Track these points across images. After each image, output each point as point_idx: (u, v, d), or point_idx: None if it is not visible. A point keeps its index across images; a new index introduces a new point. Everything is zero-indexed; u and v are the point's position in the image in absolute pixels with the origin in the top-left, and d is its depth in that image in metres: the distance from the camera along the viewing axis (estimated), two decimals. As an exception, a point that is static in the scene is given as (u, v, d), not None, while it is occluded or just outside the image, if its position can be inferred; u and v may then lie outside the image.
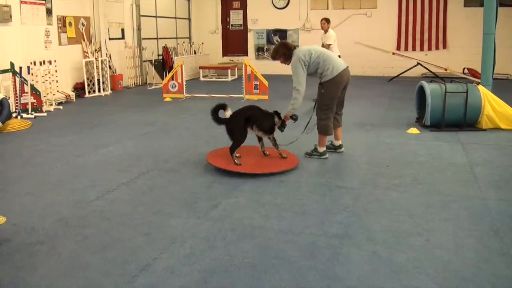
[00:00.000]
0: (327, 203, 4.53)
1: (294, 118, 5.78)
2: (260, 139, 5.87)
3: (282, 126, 5.82)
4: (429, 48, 15.56)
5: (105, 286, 3.09)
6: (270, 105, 8.33)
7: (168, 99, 11.19)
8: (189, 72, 14.90)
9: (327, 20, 10.65)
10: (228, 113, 5.66)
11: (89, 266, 3.34)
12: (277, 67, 16.60)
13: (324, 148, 6.01)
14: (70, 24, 11.43)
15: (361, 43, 14.71)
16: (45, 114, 9.36)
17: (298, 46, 5.89)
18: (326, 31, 10.61)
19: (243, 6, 17.27)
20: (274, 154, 5.84)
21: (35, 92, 9.44)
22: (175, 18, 16.53)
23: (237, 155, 5.59)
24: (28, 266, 3.35)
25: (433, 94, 7.46)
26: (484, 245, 3.62)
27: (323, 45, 10.24)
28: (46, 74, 10.11)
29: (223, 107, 5.67)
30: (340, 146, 6.28)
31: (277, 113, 5.80)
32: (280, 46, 5.94)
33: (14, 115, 8.65)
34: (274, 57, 5.96)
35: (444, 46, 15.49)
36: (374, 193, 4.80)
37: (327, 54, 5.81)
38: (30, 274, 3.23)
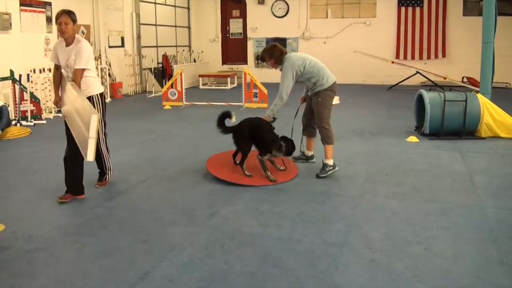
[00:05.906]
0: (326, 211, 4.52)
1: (273, 120, 5.57)
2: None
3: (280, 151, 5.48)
4: (428, 57, 15.60)
5: (103, 294, 3.09)
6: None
7: (167, 107, 11.20)
8: (188, 80, 14.91)
9: (71, 17, 4.73)
10: (233, 120, 5.61)
11: (88, 274, 3.34)
12: (277, 76, 16.56)
13: (332, 159, 5.68)
14: (70, 32, 11.44)
15: (361, 51, 14.76)
16: (44, 121, 9.37)
17: (287, 52, 5.68)
18: (71, 42, 4.77)
19: (243, 15, 17.33)
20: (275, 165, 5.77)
21: (34, 99, 9.46)
22: (175, 26, 16.58)
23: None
24: (26, 273, 3.35)
25: (432, 103, 7.48)
26: (482, 254, 3.61)
27: (56, 68, 5.07)
28: (45, 82, 10.11)
29: (228, 115, 5.59)
30: (312, 157, 6.11)
31: (285, 139, 5.50)
32: (273, 48, 5.64)
33: (13, 122, 8.65)
34: (263, 58, 5.70)
35: (443, 55, 15.53)
36: (373, 201, 4.80)
37: (320, 63, 5.65)
38: (29, 282, 3.23)
